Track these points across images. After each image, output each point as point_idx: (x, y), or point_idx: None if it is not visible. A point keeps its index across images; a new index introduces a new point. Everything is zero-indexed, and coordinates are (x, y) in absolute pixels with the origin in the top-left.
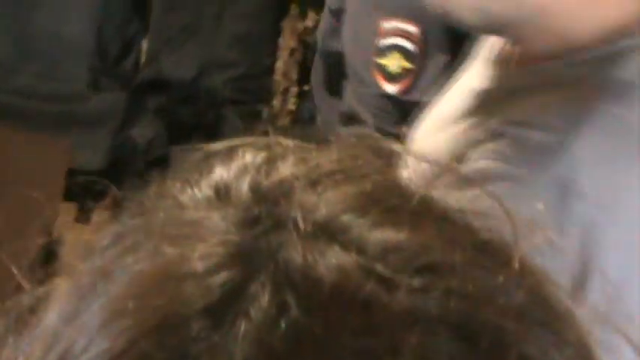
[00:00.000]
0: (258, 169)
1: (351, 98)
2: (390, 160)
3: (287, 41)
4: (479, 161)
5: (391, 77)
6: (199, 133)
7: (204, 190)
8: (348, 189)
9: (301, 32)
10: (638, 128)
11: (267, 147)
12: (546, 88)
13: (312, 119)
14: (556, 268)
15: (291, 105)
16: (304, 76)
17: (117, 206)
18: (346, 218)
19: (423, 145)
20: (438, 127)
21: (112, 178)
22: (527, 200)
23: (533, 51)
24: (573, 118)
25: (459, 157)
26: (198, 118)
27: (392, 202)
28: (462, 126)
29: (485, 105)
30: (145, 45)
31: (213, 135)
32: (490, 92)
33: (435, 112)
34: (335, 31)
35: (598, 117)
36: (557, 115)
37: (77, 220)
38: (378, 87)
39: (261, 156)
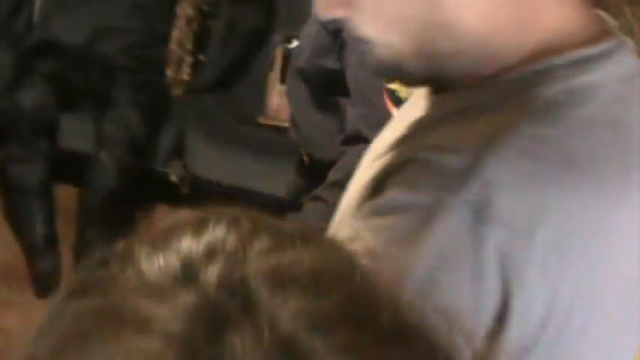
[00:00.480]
0: (228, 256)
1: (356, 120)
2: (360, 268)
3: (184, 10)
4: (388, 192)
5: (401, 102)
6: (89, 100)
7: (170, 264)
8: (316, 301)
9: (199, 1)
10: (562, 149)
11: (238, 223)
12: (469, 112)
13: (208, 90)
14: (476, 306)
15: (186, 75)
16: (200, 46)
17: None
18: (310, 338)
19: (358, 179)
20: (373, 159)
21: None
22: (439, 231)
23: (465, 76)
24: (488, 139)
25: (377, 188)
26: (88, 84)
27: (359, 320)
28: (387, 156)
29: (412, 134)
30: (37, 5)
31: (104, 102)
32: (420, 121)
33: (375, 144)
34: (330, 50)
35: (514, 138)
36: (472, 138)
37: None
38: (388, 111)
39: (232, 237)
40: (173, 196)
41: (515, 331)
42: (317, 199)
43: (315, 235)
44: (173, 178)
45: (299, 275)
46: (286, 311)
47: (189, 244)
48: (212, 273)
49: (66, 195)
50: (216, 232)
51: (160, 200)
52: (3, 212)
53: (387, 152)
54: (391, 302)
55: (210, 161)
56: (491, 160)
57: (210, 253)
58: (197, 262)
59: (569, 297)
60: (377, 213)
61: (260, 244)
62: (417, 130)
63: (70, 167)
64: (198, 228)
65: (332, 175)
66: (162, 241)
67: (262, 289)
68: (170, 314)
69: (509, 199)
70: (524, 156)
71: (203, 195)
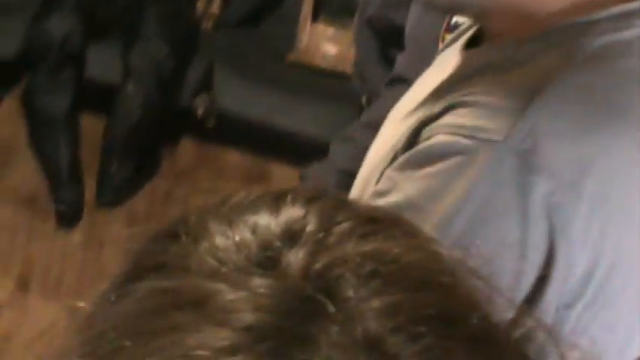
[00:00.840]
0: (309, 240)
1: (403, 62)
2: (453, 266)
3: None
4: (432, 138)
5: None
6: (117, 31)
7: (248, 245)
8: (404, 298)
9: None
10: (609, 99)
11: (316, 201)
12: (511, 62)
13: (237, 25)
14: (520, 258)
15: (215, 9)
16: None
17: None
18: (397, 340)
19: (386, 135)
20: (403, 117)
21: (24, 69)
22: (485, 176)
23: (502, 28)
24: (536, 87)
25: (417, 137)
26: (117, 14)
27: (448, 321)
28: (422, 109)
29: (449, 86)
30: None
31: (132, 33)
32: (456, 74)
33: (403, 102)
34: (400, 4)
35: (562, 86)
36: (518, 85)
37: None
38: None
39: (312, 219)
40: (198, 131)
41: (558, 287)
42: (347, 139)
43: (398, 220)
44: (199, 112)
45: (386, 267)
46: (373, 307)
47: (267, 223)
48: (295, 259)
49: (91, 126)
50: (295, 211)
51: (185, 134)
52: (28, 141)
53: (420, 106)
54: (480, 302)
55: (237, 97)
56: (540, 107)
57: (291, 236)
58: (277, 245)
59: (611, 254)
60: (416, 162)
61: (341, 228)
62: (455, 82)
63: (96, 98)
64: (275, 205)
65: (365, 116)
66: (238, 216)
67: (348, 281)
68: (251, 304)
69: (556, 149)
70: (572, 104)
71: (228, 130)
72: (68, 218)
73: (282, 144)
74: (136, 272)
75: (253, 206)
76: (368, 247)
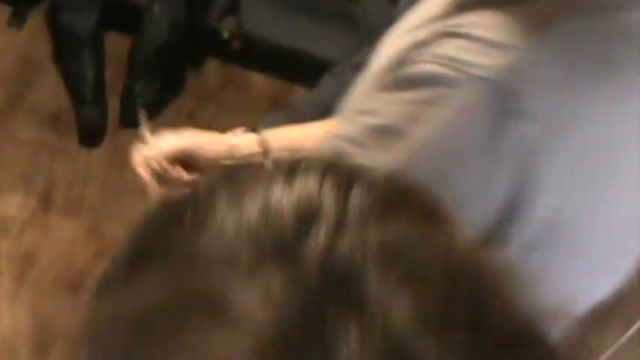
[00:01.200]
0: (326, 226)
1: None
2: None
3: None
4: (419, 64)
5: None
6: None
7: (258, 230)
8: (427, 294)
9: None
10: (604, 50)
11: (332, 169)
12: None
13: None
14: (484, 200)
15: None
16: None
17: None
18: (424, 343)
19: (387, 49)
20: (403, 33)
21: None
22: (465, 111)
23: None
24: (535, 27)
25: (404, 60)
26: None
27: (473, 320)
28: (418, 31)
29: (449, 12)
30: None
31: None
32: (457, 1)
33: (406, 20)
34: None
35: (561, 30)
36: (518, 23)
37: (9, 23)
38: None
39: (327, 199)
40: (224, 53)
41: (521, 227)
42: (337, 75)
43: (415, 196)
44: (225, 34)
45: (407, 259)
46: (395, 306)
47: (279, 204)
48: (310, 250)
49: (117, 45)
50: (308, 187)
51: (210, 56)
52: (53, 59)
53: (418, 27)
54: (502, 289)
55: (263, 19)
56: (534, 49)
57: (305, 220)
58: (291, 232)
59: (579, 204)
60: (400, 85)
61: (358, 207)
62: (453, 8)
63: (122, 17)
64: (288, 180)
65: (359, 57)
66: (247, 194)
67: (367, 276)
68: (266, 306)
69: (543, 94)
70: (567, 50)
71: (254, 53)
72: (91, 137)
73: (306, 68)
74: (140, 257)
75: (264, 182)
76: (388, 233)
